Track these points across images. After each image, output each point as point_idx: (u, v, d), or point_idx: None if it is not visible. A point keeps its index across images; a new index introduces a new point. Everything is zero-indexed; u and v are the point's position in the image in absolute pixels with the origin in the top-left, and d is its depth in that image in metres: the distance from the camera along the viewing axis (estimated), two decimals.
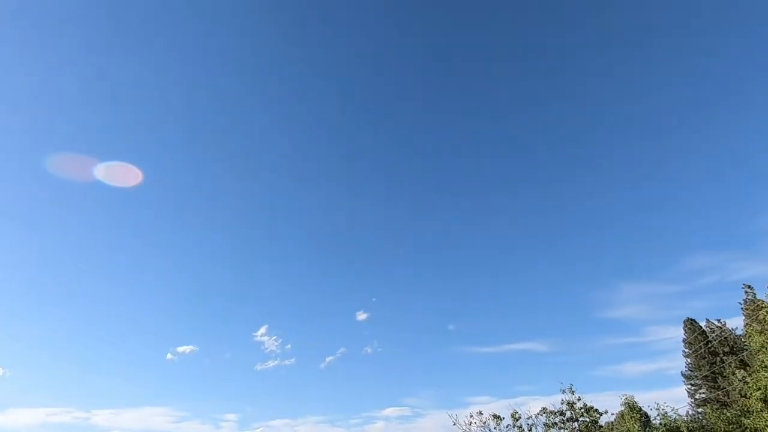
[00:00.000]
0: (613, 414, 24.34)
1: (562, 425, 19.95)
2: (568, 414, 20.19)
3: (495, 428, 20.55)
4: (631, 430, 19.90)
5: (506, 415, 20.82)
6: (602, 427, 20.67)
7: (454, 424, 20.73)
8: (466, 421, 20.72)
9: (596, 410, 19.77)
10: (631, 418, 20.44)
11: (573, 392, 20.12)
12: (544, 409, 20.63)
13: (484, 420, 20.78)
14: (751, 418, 19.95)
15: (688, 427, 19.23)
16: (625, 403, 21.81)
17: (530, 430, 20.35)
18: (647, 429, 20.67)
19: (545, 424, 20.35)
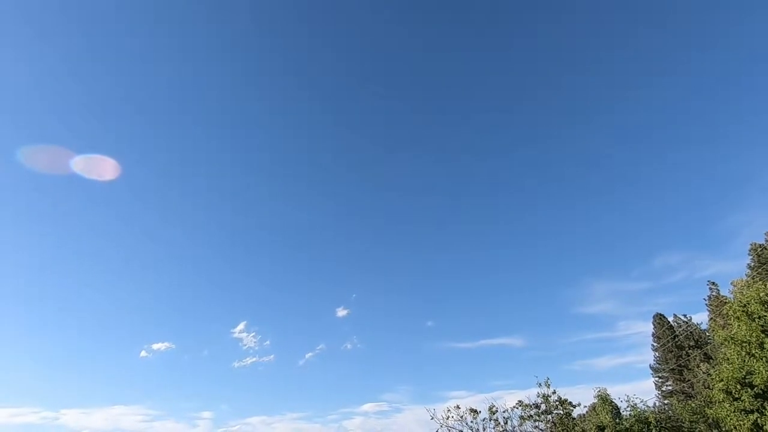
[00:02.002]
0: (585, 407, 25.10)
1: (537, 418, 20.41)
2: (543, 407, 20.68)
3: (472, 422, 20.84)
4: (603, 421, 20.54)
5: (483, 408, 21.15)
6: (575, 419, 21.27)
7: (432, 419, 20.92)
8: (444, 416, 20.94)
9: (570, 403, 20.33)
10: (603, 409, 21.10)
11: (549, 385, 20.61)
12: (519, 402, 21.06)
13: (461, 414, 21.04)
14: (714, 408, 20.90)
15: (655, 418, 19.99)
16: (598, 396, 22.51)
17: (506, 423, 20.74)
18: (618, 420, 21.40)
19: (521, 417, 20.78)
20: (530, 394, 21.35)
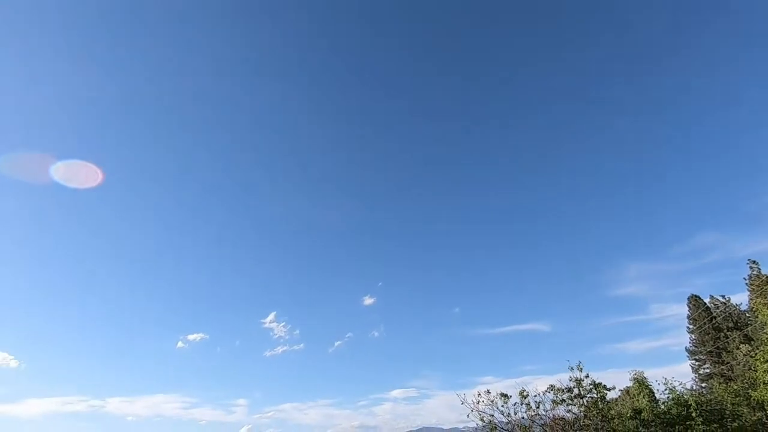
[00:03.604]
0: (620, 390, 24.48)
1: (570, 402, 19.99)
2: (575, 391, 20.23)
3: (503, 406, 20.59)
4: (640, 404, 19.96)
5: (513, 393, 20.85)
6: (609, 402, 20.74)
7: (462, 403, 20.76)
8: (474, 400, 20.74)
9: (604, 386, 19.79)
10: (639, 393, 20.48)
11: (581, 369, 20.11)
12: (551, 386, 20.65)
13: (491, 398, 20.79)
14: (758, 390, 20.02)
15: (696, 401, 19.29)
16: (634, 379, 21.85)
17: (538, 407, 20.40)
18: (654, 404, 20.76)
19: (553, 401, 20.39)
20: (561, 379, 20.90)
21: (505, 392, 20.81)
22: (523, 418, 20.19)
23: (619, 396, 27.94)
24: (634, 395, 21.97)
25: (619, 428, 19.23)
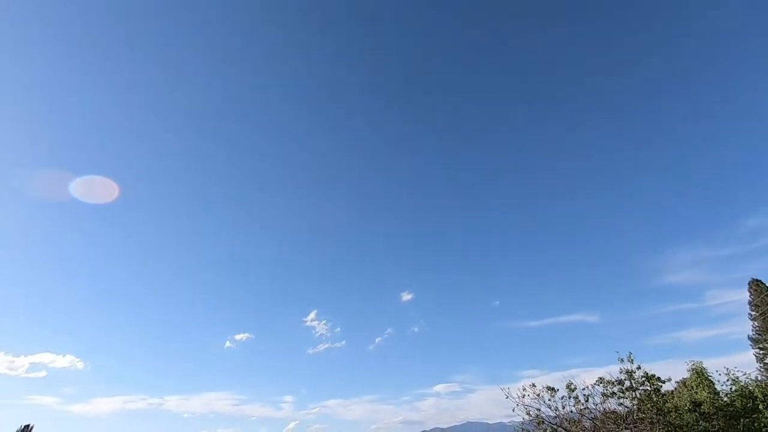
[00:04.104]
0: (676, 382, 23.13)
1: (622, 394, 19.11)
2: (627, 383, 19.32)
3: (549, 400, 20.00)
4: (700, 397, 18.79)
5: (559, 387, 20.18)
6: (665, 394, 19.65)
7: (507, 398, 20.34)
8: (519, 394, 20.27)
9: (658, 378, 18.76)
10: (698, 384, 19.27)
11: (632, 361, 19.15)
12: (600, 379, 19.82)
13: (537, 392, 20.25)
14: None
15: (762, 392, 17.92)
16: (693, 369, 20.57)
17: (587, 400, 19.66)
18: (715, 396, 19.49)
19: (603, 394, 19.58)
20: (610, 371, 19.99)
21: (551, 386, 20.21)
22: (571, 412, 19.53)
23: (675, 388, 26.47)
24: (692, 387, 20.71)
25: (677, 422, 18.19)
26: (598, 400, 19.49)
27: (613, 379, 19.49)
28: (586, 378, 19.94)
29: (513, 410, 20.07)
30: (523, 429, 20.33)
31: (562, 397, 19.76)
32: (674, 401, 19.94)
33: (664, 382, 19.05)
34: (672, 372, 19.82)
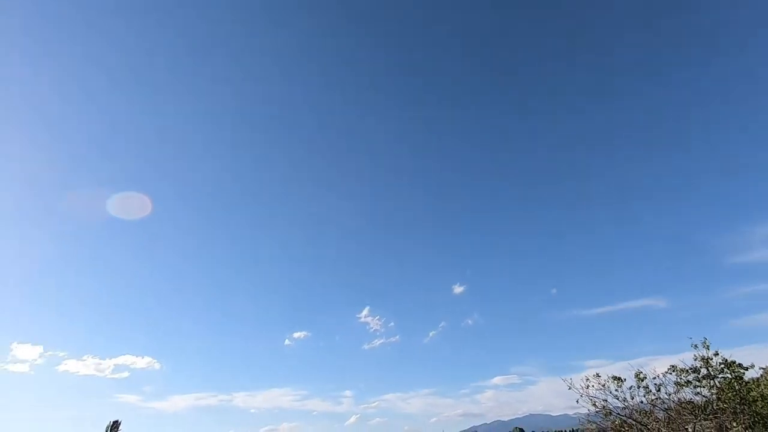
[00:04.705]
0: (761, 368, 21.20)
1: (698, 383, 17.82)
2: (703, 371, 17.97)
3: (617, 390, 19.05)
4: None
5: (627, 377, 19.15)
6: (748, 382, 18.09)
7: (570, 389, 19.61)
8: (583, 385, 19.47)
9: (739, 365, 17.29)
10: None
11: (708, 347, 17.79)
12: (673, 367, 18.59)
13: (602, 383, 19.36)
14: None
15: None
16: None
17: (659, 390, 18.52)
18: None
19: (676, 383, 18.37)
20: (683, 358, 18.65)
21: (617, 375, 19.25)
22: (641, 402, 18.51)
23: (761, 375, 24.25)
24: None
25: (764, 411, 16.71)
26: (671, 389, 18.33)
27: (688, 367, 18.24)
28: (657, 366, 18.80)
29: (577, 401, 19.34)
30: (589, 421, 19.54)
31: (631, 388, 18.78)
32: (760, 390, 18.30)
33: (746, 368, 17.57)
34: (754, 358, 18.17)
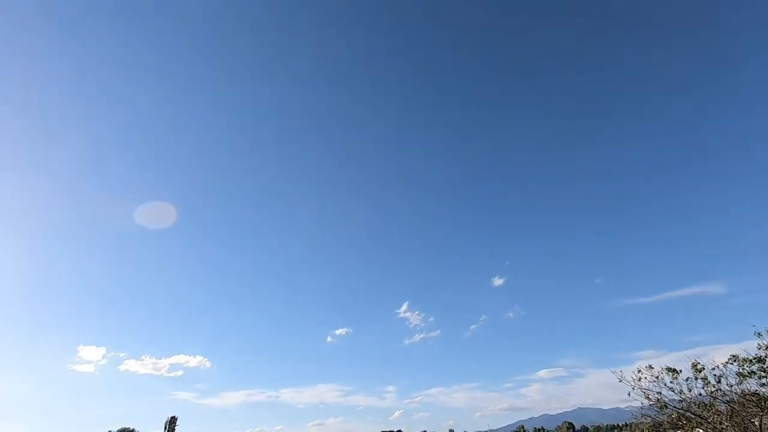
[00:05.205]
0: None
1: (763, 373, 16.60)
2: None
3: (672, 382, 18.07)
4: None
5: (683, 367, 18.10)
6: None
7: (620, 381, 18.81)
8: (634, 377, 18.61)
9: None
10: None
11: None
12: (733, 356, 17.40)
13: (656, 374, 18.41)
14: None
15: None
16: None
17: (719, 381, 17.40)
18: None
19: (738, 374, 17.20)
20: (746, 347, 17.41)
21: (672, 366, 18.25)
22: (700, 395, 17.47)
23: None
24: None
25: None
26: (732, 380, 17.20)
27: (751, 357, 17.03)
28: (716, 356, 17.66)
29: (629, 394, 18.53)
30: (643, 415, 18.68)
31: (687, 379, 17.77)
32: None
33: None
34: None
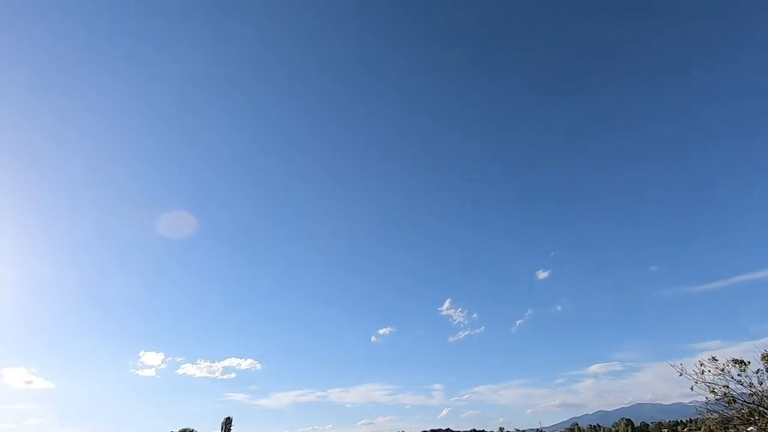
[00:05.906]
0: None
1: None
2: None
3: (740, 375, 16.77)
4: None
5: (752, 359, 16.74)
6: None
7: (681, 375, 17.67)
8: (697, 370, 17.42)
9: None
10: None
11: None
12: None
13: (720, 367, 17.15)
14: None
15: None
16: None
17: None
18: None
19: None
20: None
21: (739, 358, 16.92)
22: None
23: None
24: None
25: None
26: None
27: None
28: None
29: (691, 389, 17.37)
30: (708, 410, 17.47)
31: (758, 372, 16.44)
32: None
33: None
34: None
